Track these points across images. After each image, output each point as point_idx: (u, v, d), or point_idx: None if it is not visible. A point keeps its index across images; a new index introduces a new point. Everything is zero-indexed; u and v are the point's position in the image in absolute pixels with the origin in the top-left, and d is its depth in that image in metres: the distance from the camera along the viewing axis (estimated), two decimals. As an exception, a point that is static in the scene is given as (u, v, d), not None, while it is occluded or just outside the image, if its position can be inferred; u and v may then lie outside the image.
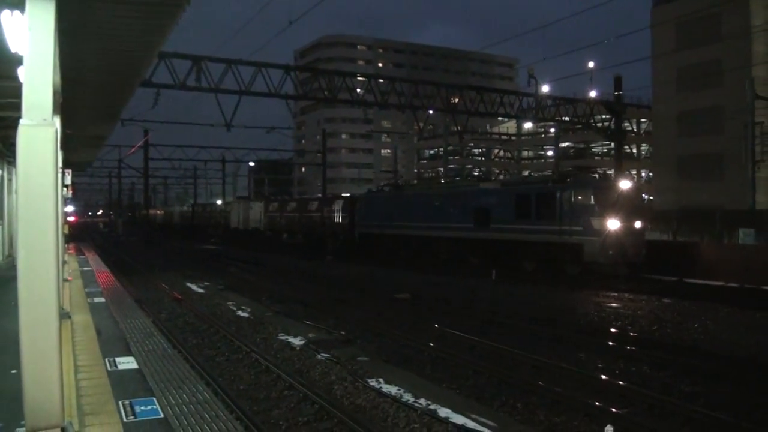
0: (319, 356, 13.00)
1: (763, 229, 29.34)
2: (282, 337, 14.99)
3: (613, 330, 16.14)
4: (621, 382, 11.05)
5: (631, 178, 28.02)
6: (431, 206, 33.95)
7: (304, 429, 8.84)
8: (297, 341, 14.43)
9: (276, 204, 57.33)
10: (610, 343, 14.39)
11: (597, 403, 9.96)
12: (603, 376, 11.50)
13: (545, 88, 46.53)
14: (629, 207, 25.98)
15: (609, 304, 19.88)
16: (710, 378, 11.53)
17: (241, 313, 18.65)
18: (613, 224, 25.04)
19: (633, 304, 19.91)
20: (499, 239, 29.23)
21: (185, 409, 7.01)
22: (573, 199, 25.92)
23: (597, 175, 29.51)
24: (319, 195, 62.95)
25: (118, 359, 9.01)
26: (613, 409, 9.65)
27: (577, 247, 25.49)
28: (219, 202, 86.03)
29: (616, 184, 26.95)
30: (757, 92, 32.51)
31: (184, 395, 7.56)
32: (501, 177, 71.21)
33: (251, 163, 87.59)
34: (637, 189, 27.59)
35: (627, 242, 25.24)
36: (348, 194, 53.85)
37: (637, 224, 26.01)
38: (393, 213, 37.13)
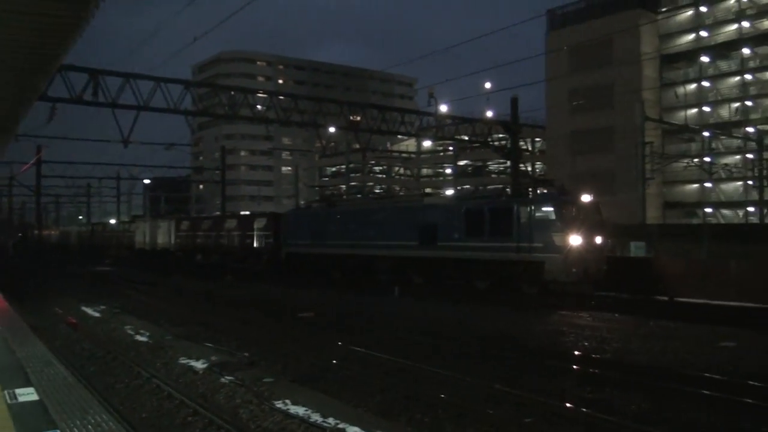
0: (222, 379, 12.72)
1: (652, 242, 30.84)
2: (183, 360, 14.58)
3: (516, 342, 16.57)
4: (522, 393, 11.33)
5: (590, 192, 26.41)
6: (370, 223, 32.16)
7: (211, 455, 8.62)
8: (199, 365, 14.07)
9: (188, 222, 53.84)
10: (513, 355, 14.79)
11: (501, 414, 10.22)
12: (505, 388, 11.72)
13: (444, 108, 47.51)
14: (590, 222, 24.76)
15: (517, 318, 20.40)
16: (609, 385, 12.00)
17: (139, 338, 18.04)
18: (575, 240, 23.69)
19: (543, 317, 20.47)
20: (448, 257, 27.70)
21: (91, 442, 6.74)
22: (532, 214, 24.54)
23: (554, 189, 27.36)
24: (240, 212, 60.67)
25: (17, 391, 8.59)
26: (518, 418, 9.93)
27: (537, 264, 24.17)
28: (112, 221, 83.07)
29: (578, 198, 25.62)
30: (646, 114, 34.22)
31: (89, 426, 7.27)
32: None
33: (146, 181, 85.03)
34: (597, 203, 25.94)
35: (589, 259, 23.98)
36: (272, 211, 52.42)
37: (598, 240, 24.79)
38: (325, 231, 34.97)
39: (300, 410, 10.42)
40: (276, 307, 24.93)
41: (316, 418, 9.99)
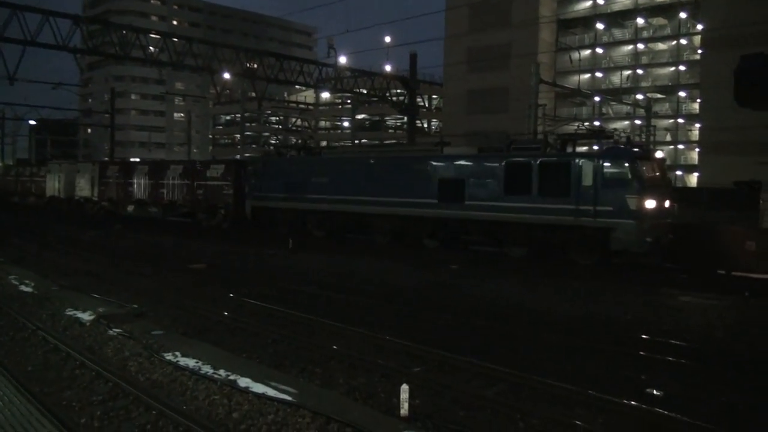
0: (111, 332, 12.47)
1: None
2: (70, 312, 14.15)
3: (405, 295, 16.98)
4: (411, 343, 11.69)
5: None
6: (369, 176, 27.94)
7: (99, 408, 8.52)
8: (86, 316, 13.70)
9: (116, 168, 46.52)
10: (405, 308, 15.25)
11: (393, 364, 10.63)
12: (396, 339, 12.02)
13: (344, 60, 47.34)
14: (662, 182, 21.89)
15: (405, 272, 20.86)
16: (497, 336, 12.71)
17: (24, 288, 17.28)
18: (650, 204, 20.51)
19: (426, 273, 20.94)
20: (478, 219, 24.19)
21: (-27, 396, 6.55)
22: (600, 172, 20.97)
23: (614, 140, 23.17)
24: (194, 159, 54.50)
25: None
26: (408, 368, 10.37)
27: (602, 231, 20.97)
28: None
29: (651, 153, 22.23)
30: (540, 77, 35.10)
31: (-28, 381, 7.06)
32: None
33: (32, 122, 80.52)
34: (663, 160, 22.51)
35: (662, 226, 21.13)
36: (233, 158, 48.15)
37: (667, 203, 21.74)
38: (307, 183, 30.37)
39: (190, 362, 10.41)
40: (164, 257, 24.50)
41: (206, 369, 10.02)
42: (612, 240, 20.73)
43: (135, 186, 43.61)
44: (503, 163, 23.51)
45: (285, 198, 31.50)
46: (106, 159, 60.65)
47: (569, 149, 23.82)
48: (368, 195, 27.60)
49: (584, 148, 25.04)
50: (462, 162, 25.20)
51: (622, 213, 20.38)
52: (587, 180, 21.14)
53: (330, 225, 30.19)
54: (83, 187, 49.06)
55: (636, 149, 22.32)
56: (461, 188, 24.49)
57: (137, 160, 60.33)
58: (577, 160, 21.62)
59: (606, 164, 20.95)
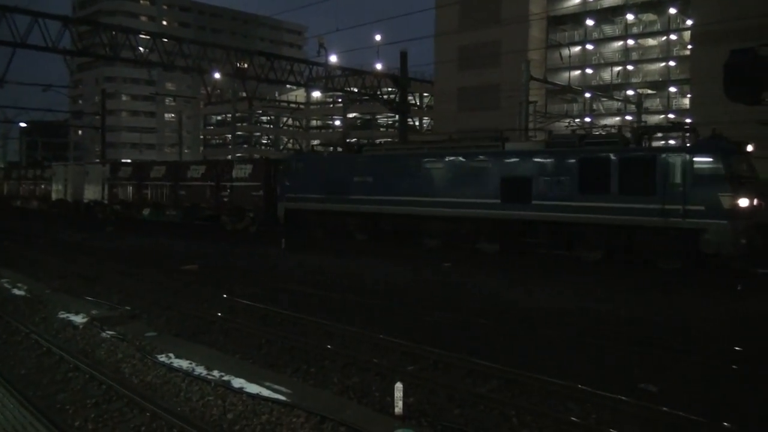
0: (103, 334, 12.45)
1: None
2: (63, 315, 14.12)
3: (403, 293, 16.96)
4: (408, 343, 11.65)
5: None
6: (421, 174, 26.07)
7: (93, 411, 8.51)
8: (79, 319, 13.67)
9: (130, 169, 44.90)
10: (398, 306, 15.20)
11: (387, 363, 10.62)
12: (391, 338, 11.97)
13: (334, 59, 47.31)
14: (753, 178, 20.10)
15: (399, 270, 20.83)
16: (488, 333, 12.64)
17: (17, 291, 17.23)
18: (744, 203, 19.01)
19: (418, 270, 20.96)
20: (547, 219, 22.52)
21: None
22: (689, 168, 19.45)
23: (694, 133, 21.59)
24: (216, 158, 51.83)
25: None
26: (402, 367, 10.37)
27: (693, 232, 19.39)
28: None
29: (742, 147, 20.40)
30: (531, 74, 35.17)
31: (-34, 385, 7.02)
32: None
33: (22, 124, 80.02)
34: (750, 153, 20.78)
35: (754, 226, 19.44)
36: (263, 156, 46.05)
37: (755, 201, 19.74)
38: (350, 183, 28.40)
39: (184, 364, 10.40)
40: (156, 258, 24.40)
41: (200, 371, 10.02)
42: (702, 242, 19.26)
43: (151, 188, 41.60)
44: (577, 159, 21.89)
45: (323, 199, 29.52)
46: (121, 160, 59.98)
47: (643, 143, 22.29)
48: (419, 195, 25.88)
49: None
50: (528, 158, 23.39)
51: (715, 213, 18.97)
52: (676, 177, 19.71)
53: (374, 228, 28.37)
54: (92, 190, 47.01)
55: (731, 144, 20.63)
56: (527, 187, 22.90)
57: (129, 160, 59.99)
58: (664, 155, 20.11)
59: (697, 159, 19.48)
